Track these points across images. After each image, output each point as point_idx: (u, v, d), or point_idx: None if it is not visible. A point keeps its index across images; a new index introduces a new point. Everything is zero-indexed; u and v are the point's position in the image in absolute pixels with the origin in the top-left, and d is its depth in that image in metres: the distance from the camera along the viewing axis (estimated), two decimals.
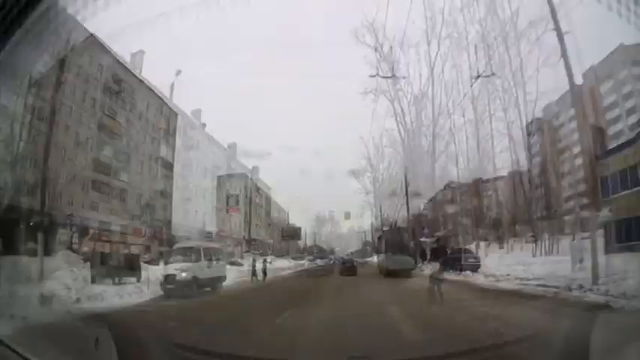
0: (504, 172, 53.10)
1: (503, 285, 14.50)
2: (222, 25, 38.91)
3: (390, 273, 21.03)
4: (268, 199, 73.31)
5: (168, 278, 14.58)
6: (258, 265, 24.53)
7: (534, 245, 29.02)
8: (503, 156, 32.28)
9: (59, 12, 1.64)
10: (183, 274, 14.56)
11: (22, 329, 6.08)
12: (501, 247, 33.10)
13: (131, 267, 17.73)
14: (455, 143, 31.22)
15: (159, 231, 43.27)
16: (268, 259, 25.35)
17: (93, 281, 15.79)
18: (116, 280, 16.50)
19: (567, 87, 16.61)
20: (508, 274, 16.56)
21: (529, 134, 40.56)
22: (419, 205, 34.19)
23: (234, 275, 24.29)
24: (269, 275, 22.76)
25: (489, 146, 31.53)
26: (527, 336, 5.19)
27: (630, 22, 1.73)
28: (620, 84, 30.39)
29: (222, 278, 17.66)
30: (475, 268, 19.45)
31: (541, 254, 26.35)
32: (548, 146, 36.01)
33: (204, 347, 5.42)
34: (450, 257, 21.33)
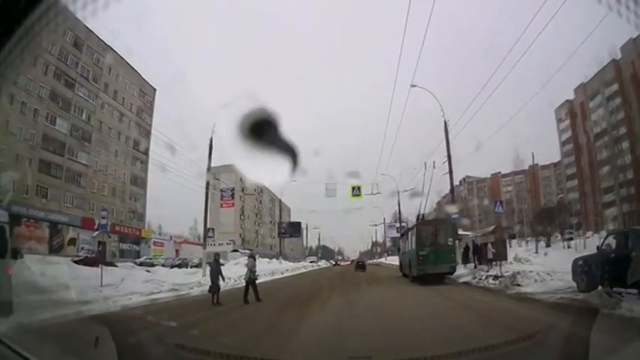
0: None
1: None
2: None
3: (418, 278, 17.02)
4: (269, 195, 72.33)
5: None
6: (236, 270, 17.64)
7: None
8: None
9: (59, 11, 1.64)
10: None
11: (22, 329, 6.07)
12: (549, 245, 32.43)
13: None
14: None
15: (121, 223, 37.05)
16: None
17: None
18: None
19: None
20: None
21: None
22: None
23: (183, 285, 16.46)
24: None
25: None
26: (528, 336, 5.18)
27: (630, 21, 1.73)
28: None
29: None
30: None
31: None
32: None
33: (204, 347, 5.40)
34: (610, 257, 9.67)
